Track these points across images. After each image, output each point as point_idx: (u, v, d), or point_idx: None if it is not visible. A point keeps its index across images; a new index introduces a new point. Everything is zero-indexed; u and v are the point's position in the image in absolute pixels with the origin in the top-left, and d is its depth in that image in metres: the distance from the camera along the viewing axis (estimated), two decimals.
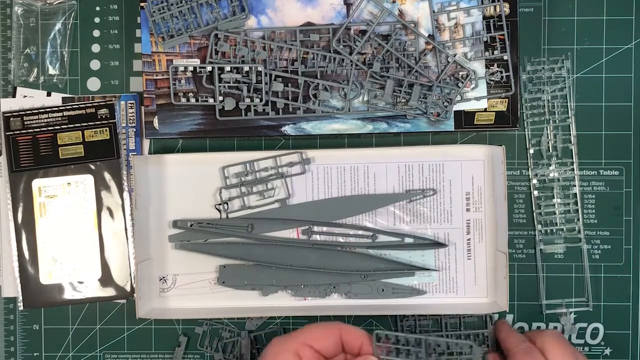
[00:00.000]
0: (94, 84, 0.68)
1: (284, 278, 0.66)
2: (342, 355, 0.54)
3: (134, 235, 0.64)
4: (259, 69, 0.63)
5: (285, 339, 0.53)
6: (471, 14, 0.63)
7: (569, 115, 0.66)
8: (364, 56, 0.63)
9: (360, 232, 0.66)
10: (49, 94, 0.68)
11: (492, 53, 0.63)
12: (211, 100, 0.63)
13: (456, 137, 0.67)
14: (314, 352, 0.52)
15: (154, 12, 0.63)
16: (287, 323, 0.67)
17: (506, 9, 0.63)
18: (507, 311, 0.64)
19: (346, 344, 0.53)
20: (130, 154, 0.67)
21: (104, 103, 0.67)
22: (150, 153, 0.67)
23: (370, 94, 0.63)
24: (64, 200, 0.66)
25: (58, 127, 0.66)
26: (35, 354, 0.68)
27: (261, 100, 0.63)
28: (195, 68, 0.63)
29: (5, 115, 0.66)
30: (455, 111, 0.63)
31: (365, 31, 0.63)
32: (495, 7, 0.63)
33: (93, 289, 0.66)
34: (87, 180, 0.66)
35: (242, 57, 0.63)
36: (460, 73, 0.63)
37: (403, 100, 0.63)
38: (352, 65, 0.63)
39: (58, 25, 0.67)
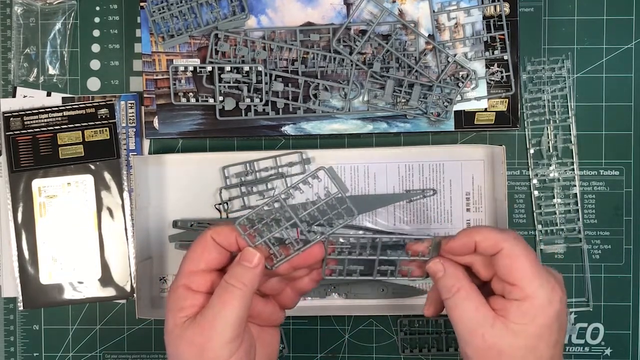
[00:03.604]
0: (94, 84, 0.68)
1: None
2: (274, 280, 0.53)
3: (134, 235, 0.64)
4: (259, 69, 0.63)
5: (173, 281, 0.50)
6: (471, 13, 0.63)
7: (569, 115, 0.66)
8: (364, 56, 0.63)
9: (360, 232, 0.66)
10: (49, 94, 0.68)
11: (492, 53, 0.63)
12: (211, 100, 0.63)
13: (456, 137, 0.67)
14: (204, 272, 0.49)
15: (154, 12, 0.63)
16: (287, 323, 0.67)
17: (506, 8, 0.63)
18: None
19: (222, 244, 0.50)
20: (130, 154, 0.67)
21: (104, 103, 0.67)
22: (150, 153, 0.67)
23: (370, 94, 0.63)
24: (64, 200, 0.66)
25: (58, 127, 0.66)
26: (35, 354, 0.68)
27: (261, 100, 0.63)
28: (195, 68, 0.63)
29: (5, 115, 0.66)
30: (455, 111, 0.63)
31: (365, 31, 0.63)
32: (495, 7, 0.63)
33: (93, 289, 0.66)
34: (87, 180, 0.66)
35: (242, 57, 0.63)
36: (461, 73, 0.63)
37: (403, 100, 0.63)
38: (352, 65, 0.63)
39: (58, 25, 0.67)
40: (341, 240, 0.52)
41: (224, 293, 0.48)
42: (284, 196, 0.50)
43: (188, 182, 0.66)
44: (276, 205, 0.51)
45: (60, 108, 0.66)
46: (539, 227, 0.67)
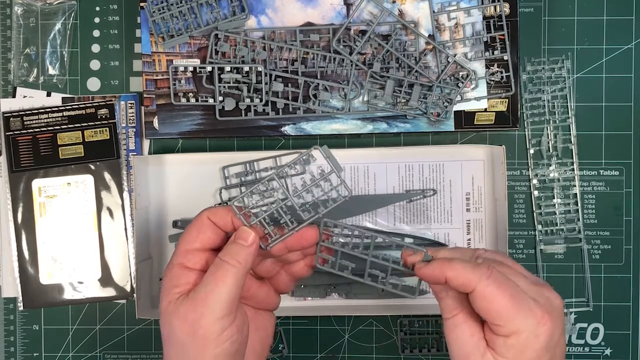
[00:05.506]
0: (94, 84, 0.68)
1: None
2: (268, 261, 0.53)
3: (134, 235, 0.64)
4: (259, 69, 0.63)
5: (169, 261, 0.50)
6: (471, 14, 0.63)
7: (569, 115, 0.66)
8: (364, 56, 0.63)
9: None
10: (49, 94, 0.68)
11: (492, 53, 0.63)
12: (211, 100, 0.63)
13: (456, 137, 0.67)
14: (199, 251, 0.50)
15: (154, 12, 0.63)
16: (287, 323, 0.67)
17: (506, 9, 0.63)
18: None
19: (218, 224, 0.51)
20: (130, 154, 0.67)
21: (104, 103, 0.67)
22: (150, 153, 0.67)
23: (370, 94, 0.63)
24: (64, 200, 0.66)
25: (58, 127, 0.66)
26: (35, 354, 0.68)
27: (261, 100, 0.63)
28: (195, 68, 0.63)
29: (5, 115, 0.66)
30: (455, 111, 0.63)
31: (365, 31, 0.63)
32: (495, 7, 0.63)
33: (93, 289, 0.66)
34: (87, 180, 0.66)
35: (242, 57, 0.63)
36: (460, 73, 0.63)
37: (403, 101, 0.63)
38: (352, 65, 0.63)
39: (58, 25, 0.67)
40: (336, 231, 0.52)
41: (217, 270, 0.48)
42: (278, 175, 0.51)
43: (188, 182, 0.66)
44: (273, 185, 0.51)
45: (60, 108, 0.66)
46: (539, 227, 0.67)
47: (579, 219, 0.66)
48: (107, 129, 0.66)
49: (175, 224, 0.66)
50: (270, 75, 0.63)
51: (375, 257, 0.52)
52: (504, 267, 0.48)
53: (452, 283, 0.47)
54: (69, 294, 0.66)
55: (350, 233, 0.53)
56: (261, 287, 0.54)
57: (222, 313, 0.47)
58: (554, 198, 0.67)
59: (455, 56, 0.63)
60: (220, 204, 0.66)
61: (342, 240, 0.53)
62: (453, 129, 0.64)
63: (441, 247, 0.52)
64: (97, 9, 0.68)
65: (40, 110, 0.66)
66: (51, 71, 0.67)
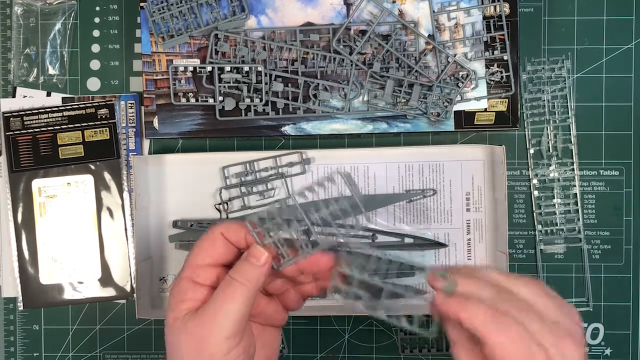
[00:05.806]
0: (93, 84, 0.68)
1: None
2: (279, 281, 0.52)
3: (134, 235, 0.64)
4: (259, 69, 0.63)
5: (178, 273, 0.49)
6: (471, 14, 0.63)
7: (569, 115, 0.66)
8: (364, 56, 0.63)
9: (360, 232, 0.66)
10: (49, 94, 0.68)
11: (492, 53, 0.63)
12: (211, 100, 0.63)
13: (456, 137, 0.67)
14: (210, 267, 0.49)
15: (154, 12, 0.63)
16: (287, 323, 0.67)
17: (506, 9, 0.63)
18: None
19: (231, 240, 0.50)
20: (130, 154, 0.67)
21: (104, 103, 0.67)
22: (150, 153, 0.67)
23: (370, 94, 0.63)
24: (64, 200, 0.66)
25: (58, 127, 0.66)
26: (35, 354, 0.68)
27: (261, 100, 0.63)
28: (195, 68, 0.63)
29: (5, 115, 0.66)
30: (455, 111, 0.63)
31: (365, 31, 0.63)
32: (495, 7, 0.63)
33: (93, 289, 0.66)
34: (87, 180, 0.66)
35: (242, 57, 0.63)
36: (460, 73, 0.63)
37: (403, 100, 0.63)
38: (352, 65, 0.63)
39: (58, 25, 0.67)
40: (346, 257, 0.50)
41: (227, 287, 0.47)
42: (297, 196, 0.50)
43: (188, 182, 0.66)
44: (289, 203, 0.50)
45: (60, 108, 0.66)
46: (539, 227, 0.67)
47: (579, 219, 0.66)
48: (107, 129, 0.66)
49: (175, 224, 0.66)
50: (270, 75, 0.63)
51: (392, 290, 0.50)
52: (525, 312, 0.45)
53: (464, 324, 0.45)
54: (69, 294, 0.66)
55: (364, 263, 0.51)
56: (270, 303, 0.53)
57: (230, 332, 0.46)
58: (554, 198, 0.67)
59: (455, 56, 0.63)
60: (220, 204, 0.66)
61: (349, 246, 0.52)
62: (453, 129, 0.64)
63: (469, 274, 0.48)
64: (97, 9, 0.68)
65: (40, 110, 0.66)
66: (51, 71, 0.67)
